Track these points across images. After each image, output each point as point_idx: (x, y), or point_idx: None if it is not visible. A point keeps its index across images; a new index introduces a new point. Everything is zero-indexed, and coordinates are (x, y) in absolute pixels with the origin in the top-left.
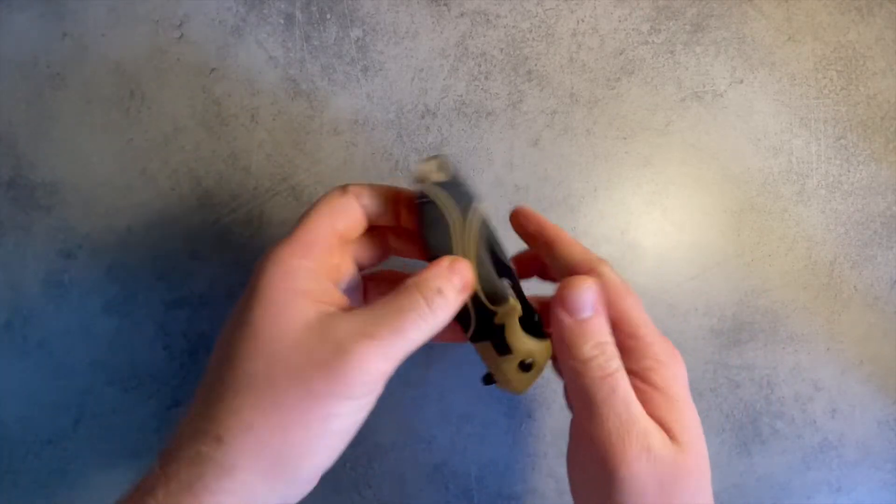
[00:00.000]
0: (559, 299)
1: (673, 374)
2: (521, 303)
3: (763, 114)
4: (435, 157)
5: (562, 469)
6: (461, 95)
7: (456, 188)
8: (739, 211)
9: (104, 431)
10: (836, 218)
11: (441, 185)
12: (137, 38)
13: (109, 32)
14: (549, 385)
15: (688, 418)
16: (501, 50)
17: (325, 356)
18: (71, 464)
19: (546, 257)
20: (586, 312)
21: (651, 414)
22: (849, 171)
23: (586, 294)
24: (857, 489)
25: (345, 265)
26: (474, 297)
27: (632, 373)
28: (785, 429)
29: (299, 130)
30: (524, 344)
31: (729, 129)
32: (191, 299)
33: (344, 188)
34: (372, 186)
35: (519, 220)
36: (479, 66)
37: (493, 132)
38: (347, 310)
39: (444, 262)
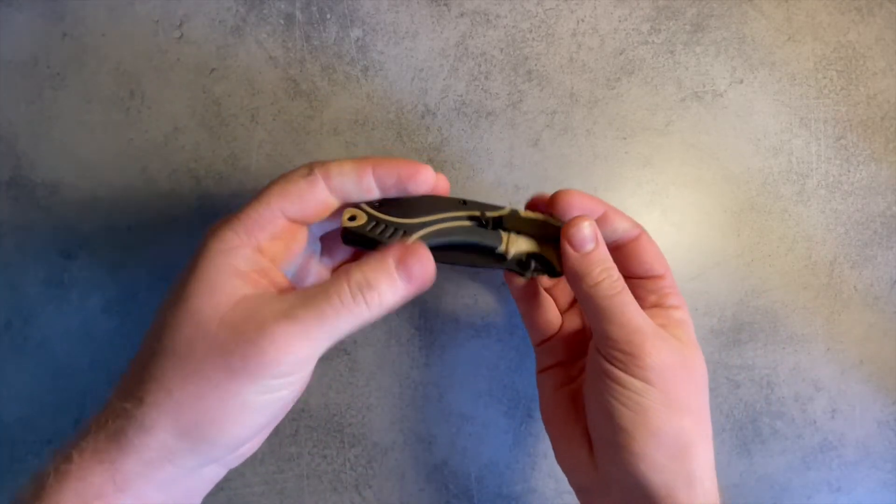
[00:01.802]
0: (565, 238)
1: (680, 308)
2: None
3: (763, 114)
4: (348, 207)
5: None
6: (461, 95)
7: (380, 225)
8: (739, 211)
9: None
10: (836, 218)
11: (361, 227)
12: (137, 38)
13: (109, 32)
14: None
15: (690, 333)
16: (501, 50)
17: (246, 334)
18: None
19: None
20: (589, 246)
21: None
22: (849, 171)
23: (587, 230)
24: (857, 489)
25: (294, 248)
26: (494, 254)
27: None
28: (785, 429)
29: (299, 130)
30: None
31: (729, 129)
32: None
33: (310, 168)
34: (342, 164)
35: (562, 206)
36: (479, 66)
37: (493, 132)
38: (285, 291)
39: (394, 254)
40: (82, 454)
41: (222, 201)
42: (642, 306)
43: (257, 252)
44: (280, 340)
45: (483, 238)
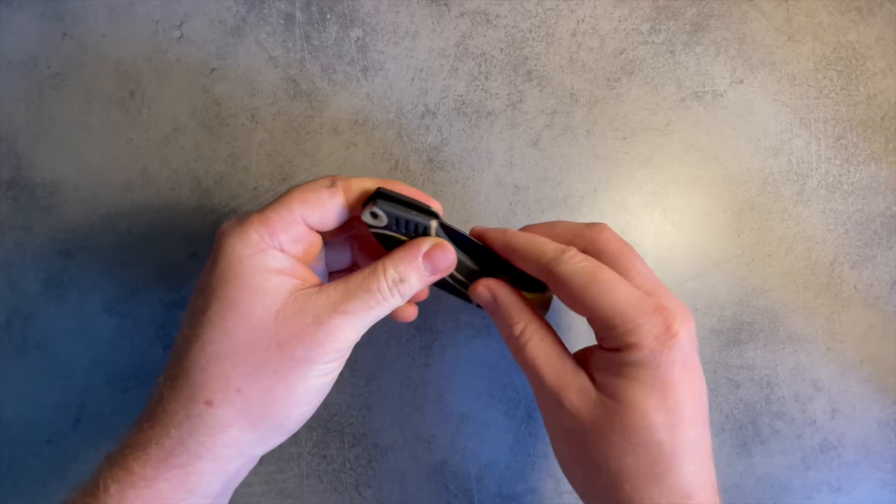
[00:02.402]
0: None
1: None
2: (508, 271)
3: (763, 114)
4: (369, 203)
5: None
6: (461, 95)
7: (402, 220)
8: (739, 211)
9: (104, 431)
10: (836, 218)
11: (385, 227)
12: (137, 38)
13: (109, 32)
14: None
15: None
16: (501, 50)
17: (303, 327)
18: (71, 464)
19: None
20: (492, 305)
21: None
22: (849, 171)
23: (482, 293)
24: (857, 489)
25: (311, 252)
26: (453, 278)
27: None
28: (785, 429)
29: (299, 130)
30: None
31: (729, 129)
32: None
33: (333, 182)
34: (362, 183)
35: (485, 241)
36: (479, 66)
37: (493, 132)
38: (318, 286)
39: (422, 246)
40: (146, 464)
41: (222, 201)
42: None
43: (283, 252)
44: (336, 332)
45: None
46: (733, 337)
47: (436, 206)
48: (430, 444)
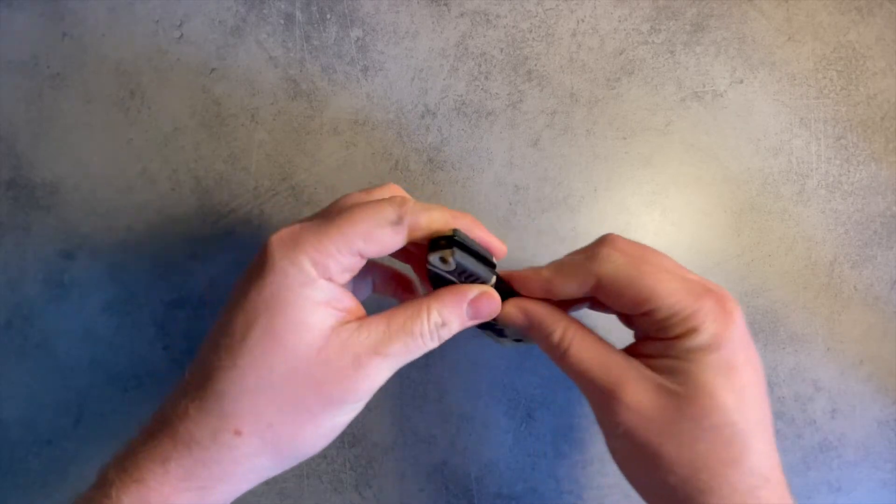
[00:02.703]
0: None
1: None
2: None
3: (763, 114)
4: (441, 248)
5: (562, 469)
6: (461, 95)
7: (469, 271)
8: (739, 211)
9: (104, 431)
10: (836, 218)
11: (448, 272)
12: (137, 38)
13: (109, 32)
14: (548, 385)
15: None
16: (501, 50)
17: (342, 368)
18: (71, 464)
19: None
20: (524, 323)
21: None
22: (849, 171)
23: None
24: (857, 489)
25: (350, 274)
26: None
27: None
28: (785, 429)
29: (299, 130)
30: None
31: (729, 129)
32: (191, 299)
33: (400, 217)
34: (430, 214)
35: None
36: (479, 66)
37: (493, 132)
38: (360, 318)
39: (470, 293)
40: (164, 482)
41: (222, 201)
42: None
43: (330, 280)
44: (373, 374)
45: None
46: None
47: (498, 252)
48: (430, 444)
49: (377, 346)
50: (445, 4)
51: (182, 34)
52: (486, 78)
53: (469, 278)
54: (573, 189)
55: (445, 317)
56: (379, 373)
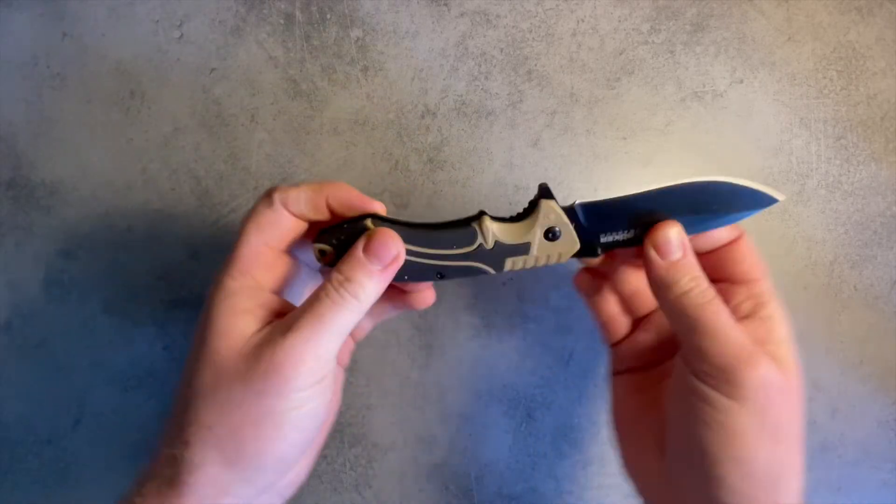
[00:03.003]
0: (651, 244)
1: (776, 314)
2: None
3: (763, 114)
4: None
5: (562, 469)
6: (461, 95)
7: (342, 240)
8: None
9: (104, 431)
10: (836, 218)
11: (333, 259)
12: (137, 38)
13: (109, 32)
14: (548, 385)
15: (789, 349)
16: (501, 50)
17: (262, 357)
18: (71, 464)
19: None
20: (677, 254)
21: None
22: (849, 171)
23: (674, 237)
24: (857, 489)
25: (287, 270)
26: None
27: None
28: None
29: (299, 130)
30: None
31: (729, 129)
32: (191, 299)
33: (269, 197)
34: (298, 190)
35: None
36: (479, 66)
37: (493, 132)
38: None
39: (359, 244)
40: (145, 501)
41: (222, 201)
42: (736, 316)
43: (257, 288)
44: (291, 352)
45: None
46: None
47: (375, 208)
48: (430, 444)
49: (289, 325)
50: (445, 4)
51: (182, 34)
52: (486, 78)
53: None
54: (573, 189)
55: (345, 271)
56: (296, 350)
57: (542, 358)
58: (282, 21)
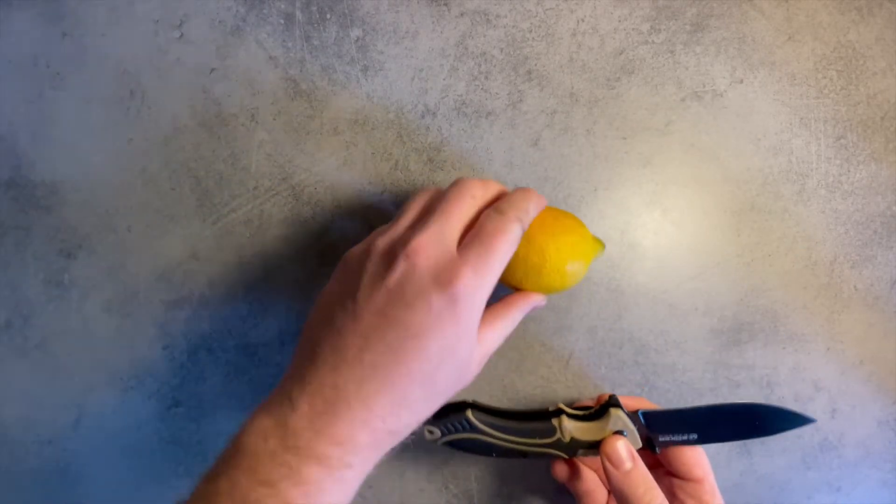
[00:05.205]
0: (604, 455)
1: None
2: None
3: (763, 114)
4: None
5: None
6: (461, 95)
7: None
8: (739, 211)
9: (104, 431)
10: (836, 218)
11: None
12: (137, 38)
13: (109, 32)
14: (548, 385)
15: None
16: (501, 50)
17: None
18: (71, 464)
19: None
20: (627, 465)
21: None
22: (849, 171)
23: (622, 451)
24: (857, 489)
25: None
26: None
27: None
28: None
29: (299, 130)
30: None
31: (729, 129)
32: (191, 299)
33: (520, 223)
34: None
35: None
36: (479, 66)
37: (493, 132)
38: None
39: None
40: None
41: (222, 201)
42: None
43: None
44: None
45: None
46: (733, 337)
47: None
48: (431, 443)
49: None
50: (445, 4)
51: (182, 34)
52: (486, 78)
53: (460, 427)
54: (573, 189)
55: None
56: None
57: (542, 358)
58: (282, 21)
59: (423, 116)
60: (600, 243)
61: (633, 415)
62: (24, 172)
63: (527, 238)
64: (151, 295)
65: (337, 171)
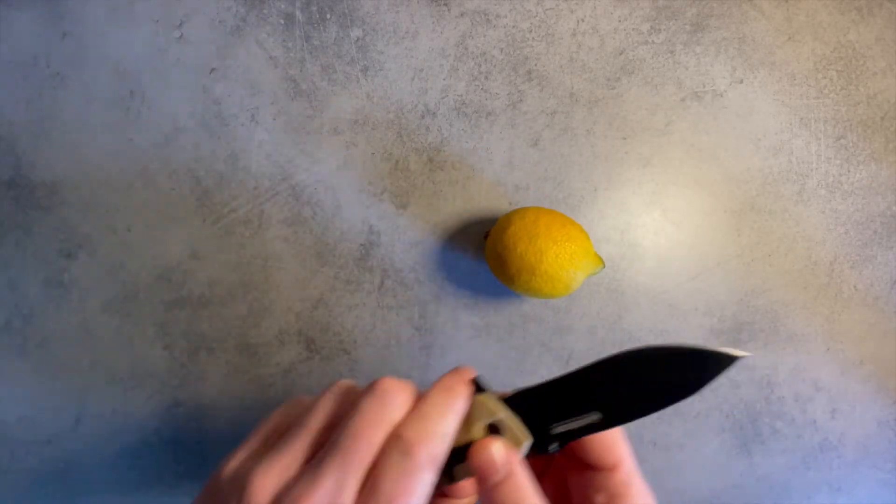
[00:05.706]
0: (473, 465)
1: None
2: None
3: (763, 114)
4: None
5: None
6: (461, 95)
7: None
8: (739, 211)
9: (104, 431)
10: (836, 218)
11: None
12: (137, 38)
13: (109, 32)
14: None
15: None
16: (501, 50)
17: None
18: (71, 464)
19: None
20: (502, 474)
21: None
22: (849, 171)
23: (498, 457)
24: (857, 489)
25: None
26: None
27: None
28: (785, 429)
29: (299, 130)
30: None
31: (729, 129)
32: (191, 299)
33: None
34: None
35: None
36: (479, 66)
37: (493, 132)
38: None
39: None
40: None
41: (222, 201)
42: None
43: None
44: None
45: None
46: (733, 337)
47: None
48: None
49: None
50: (445, 4)
51: (182, 34)
52: (486, 78)
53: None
54: (573, 189)
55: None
56: None
57: (542, 358)
58: (282, 21)
59: (423, 116)
60: (600, 261)
61: (510, 400)
62: (24, 172)
63: (529, 237)
64: (151, 295)
65: (337, 171)
